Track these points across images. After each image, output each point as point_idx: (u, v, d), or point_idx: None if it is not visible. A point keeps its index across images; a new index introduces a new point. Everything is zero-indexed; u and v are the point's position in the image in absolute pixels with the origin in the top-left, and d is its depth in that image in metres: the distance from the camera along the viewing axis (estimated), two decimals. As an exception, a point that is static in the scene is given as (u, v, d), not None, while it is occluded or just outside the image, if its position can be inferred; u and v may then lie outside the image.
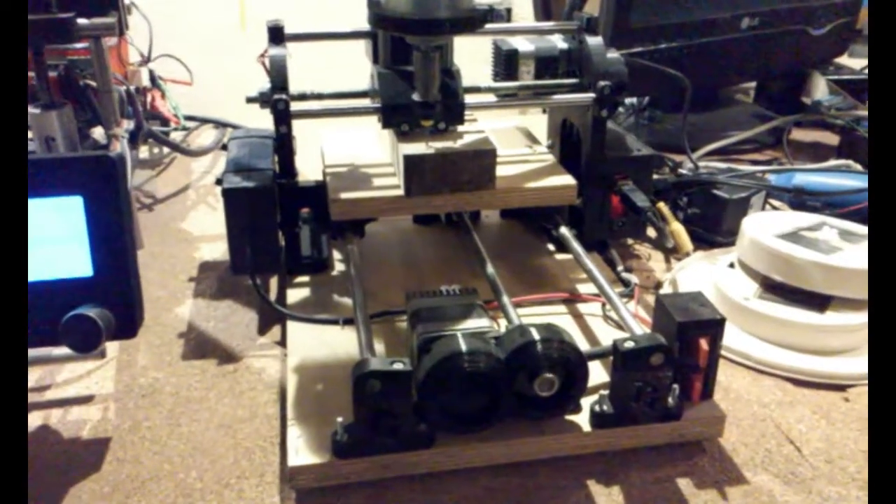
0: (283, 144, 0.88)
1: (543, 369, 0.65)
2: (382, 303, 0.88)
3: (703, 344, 0.70)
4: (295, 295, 0.92)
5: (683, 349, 0.70)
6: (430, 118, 0.85)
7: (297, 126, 0.90)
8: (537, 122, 1.11)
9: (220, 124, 1.46)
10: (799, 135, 1.55)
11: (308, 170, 1.06)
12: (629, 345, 0.67)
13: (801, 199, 1.17)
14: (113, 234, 0.69)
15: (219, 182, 0.89)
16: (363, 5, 0.82)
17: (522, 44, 0.99)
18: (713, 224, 1.11)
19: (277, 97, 0.85)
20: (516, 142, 1.05)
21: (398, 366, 0.63)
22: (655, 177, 1.16)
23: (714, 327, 0.71)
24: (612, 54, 0.98)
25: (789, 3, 1.50)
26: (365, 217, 0.91)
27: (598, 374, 0.75)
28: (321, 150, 1.00)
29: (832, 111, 1.49)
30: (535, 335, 0.66)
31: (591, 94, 0.93)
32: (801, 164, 1.36)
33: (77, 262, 0.69)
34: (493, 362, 0.65)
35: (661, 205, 1.10)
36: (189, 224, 1.18)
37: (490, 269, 0.87)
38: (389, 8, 0.77)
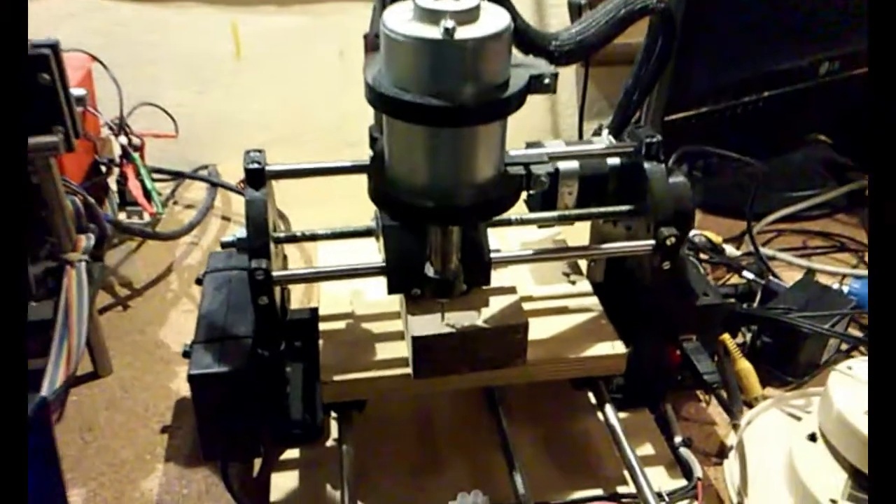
0: (265, 317, 0.70)
1: None
2: (379, 493, 0.74)
3: None
4: (280, 480, 0.76)
5: None
6: (447, 295, 0.67)
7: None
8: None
9: (211, 183, 1.28)
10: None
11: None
12: None
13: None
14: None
15: (186, 354, 0.72)
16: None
17: (564, 160, 0.79)
18: (787, 359, 0.93)
19: (255, 266, 0.67)
20: (551, 271, 0.87)
21: None
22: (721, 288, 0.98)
23: None
24: (677, 179, 0.78)
25: (876, 40, 1.27)
26: (363, 398, 0.74)
27: None
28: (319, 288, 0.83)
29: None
30: None
31: (651, 242, 0.74)
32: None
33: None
34: None
35: (726, 337, 0.92)
36: (168, 331, 1.02)
37: (519, 480, 0.70)
38: (396, 187, 0.58)
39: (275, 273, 0.69)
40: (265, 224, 0.68)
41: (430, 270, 0.66)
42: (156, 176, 1.24)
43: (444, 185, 0.57)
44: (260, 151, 0.71)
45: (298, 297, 1.04)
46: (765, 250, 1.12)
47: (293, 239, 0.75)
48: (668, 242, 0.73)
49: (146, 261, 1.16)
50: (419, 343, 0.68)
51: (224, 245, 0.74)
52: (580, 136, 1.41)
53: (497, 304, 0.71)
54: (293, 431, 0.79)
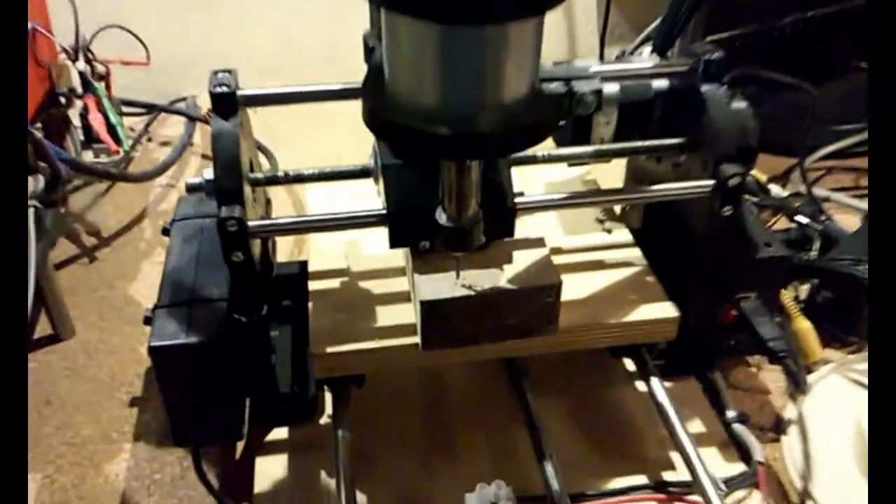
0: (241, 276, 0.58)
1: None
2: (383, 481, 0.62)
3: None
4: (266, 465, 0.65)
5: None
6: (464, 249, 0.54)
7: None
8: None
9: (189, 117, 1.13)
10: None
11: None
12: None
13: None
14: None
15: (148, 321, 0.60)
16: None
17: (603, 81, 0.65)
18: (850, 315, 0.81)
19: (226, 215, 0.54)
20: (582, 217, 0.73)
21: None
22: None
23: None
24: (740, 104, 0.65)
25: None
26: (361, 373, 0.62)
27: None
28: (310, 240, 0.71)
29: None
30: None
31: (709, 182, 0.61)
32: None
33: None
34: None
35: (784, 294, 0.80)
36: (139, 286, 0.90)
37: (550, 469, 0.59)
38: (399, 111, 0.45)
39: (251, 223, 0.56)
40: (236, 162, 0.55)
41: (441, 218, 0.53)
42: (126, 109, 1.11)
43: (463, 106, 0.43)
44: (229, 72, 0.57)
45: (288, 248, 0.92)
46: (817, 190, 0.99)
47: (274, 181, 0.62)
48: (731, 183, 0.60)
49: (116, 205, 1.03)
50: (429, 308, 0.56)
51: (190, 188, 0.60)
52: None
53: (523, 259, 0.58)
54: (280, 408, 0.67)
